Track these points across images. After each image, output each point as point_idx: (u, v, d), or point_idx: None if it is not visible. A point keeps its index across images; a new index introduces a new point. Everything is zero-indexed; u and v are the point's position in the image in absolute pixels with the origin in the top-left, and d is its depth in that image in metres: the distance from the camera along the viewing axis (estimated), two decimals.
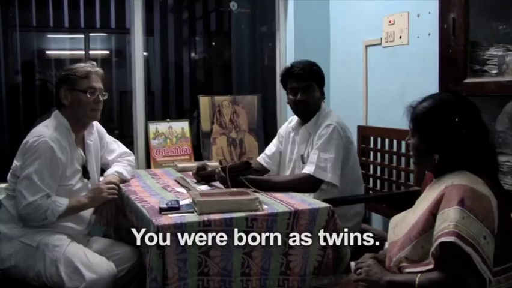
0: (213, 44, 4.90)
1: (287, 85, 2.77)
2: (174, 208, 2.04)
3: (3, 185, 2.66)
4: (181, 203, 2.11)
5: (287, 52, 3.87)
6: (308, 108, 2.72)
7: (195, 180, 2.77)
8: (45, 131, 2.46)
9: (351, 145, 2.74)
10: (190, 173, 2.98)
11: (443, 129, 1.77)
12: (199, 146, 3.67)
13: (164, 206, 2.04)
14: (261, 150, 3.62)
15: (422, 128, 1.82)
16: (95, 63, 2.68)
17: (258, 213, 2.04)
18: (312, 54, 3.40)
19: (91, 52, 5.03)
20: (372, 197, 3.08)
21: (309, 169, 2.54)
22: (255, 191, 2.33)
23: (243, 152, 3.72)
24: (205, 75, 4.85)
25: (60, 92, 2.55)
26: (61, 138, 2.48)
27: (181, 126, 3.64)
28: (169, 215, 1.99)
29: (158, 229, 1.87)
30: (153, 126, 3.56)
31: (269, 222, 2.04)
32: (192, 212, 2.03)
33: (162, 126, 3.58)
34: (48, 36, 4.99)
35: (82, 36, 5.06)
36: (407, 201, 2.29)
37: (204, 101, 3.69)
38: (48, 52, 4.97)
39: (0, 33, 3.97)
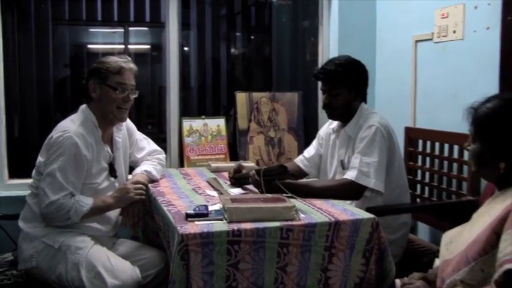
0: (253, 38, 4.73)
1: None
2: (202, 214, 1.86)
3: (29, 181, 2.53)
4: (210, 208, 1.93)
5: (330, 47, 3.66)
6: (333, 111, 2.55)
7: (228, 182, 2.60)
8: (71, 126, 2.32)
9: (396, 148, 2.51)
10: (224, 173, 2.81)
11: (511, 134, 1.54)
12: (235, 144, 3.49)
13: (192, 211, 1.86)
14: (301, 150, 3.44)
15: (486, 132, 1.59)
16: (129, 57, 2.53)
17: (294, 223, 1.84)
18: (357, 49, 3.20)
19: (130, 46, 4.96)
20: (420, 206, 2.82)
21: (350, 174, 2.32)
22: (291, 197, 2.14)
23: (282, 152, 3.53)
24: (243, 71, 4.69)
25: (90, 85, 2.42)
26: (87, 134, 2.34)
27: (217, 124, 3.47)
28: (196, 222, 1.81)
29: (183, 238, 1.69)
30: (187, 123, 3.39)
31: (306, 234, 1.84)
32: (221, 220, 1.85)
33: (197, 123, 3.42)
34: (91, 30, 4.95)
35: (122, 30, 5.00)
36: (459, 212, 2.10)
37: (241, 97, 3.51)
38: (90, 46, 4.91)
39: (32, 29, 3.89)
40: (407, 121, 3.24)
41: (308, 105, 3.81)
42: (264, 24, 4.66)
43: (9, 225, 2.63)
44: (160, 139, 3.59)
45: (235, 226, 1.77)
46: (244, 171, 2.55)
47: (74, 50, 4.62)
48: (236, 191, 2.40)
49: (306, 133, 3.61)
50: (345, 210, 2.01)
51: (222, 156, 3.38)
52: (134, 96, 2.49)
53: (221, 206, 1.94)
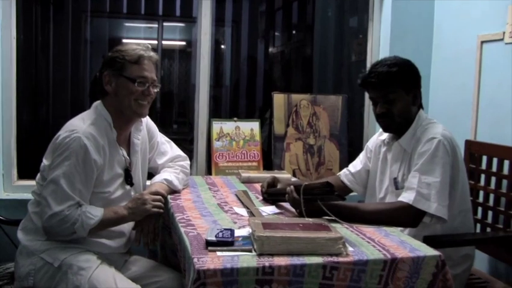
0: (293, 35, 4.37)
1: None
2: (226, 243, 1.50)
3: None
4: (237, 233, 1.58)
5: (381, 47, 3.28)
6: (392, 121, 2.12)
7: (260, 197, 2.24)
8: (80, 126, 1.99)
9: (461, 166, 2.10)
10: (256, 185, 2.46)
11: None
12: (270, 151, 3.14)
13: (213, 238, 1.51)
14: (343, 161, 3.10)
15: None
16: (149, 46, 2.19)
17: (340, 259, 1.47)
18: (411, 50, 2.87)
19: (164, 42, 4.69)
20: (491, 238, 2.35)
21: (407, 197, 1.93)
22: (335, 220, 1.78)
23: (321, 161, 3.15)
24: (282, 71, 4.34)
25: (104, 76, 2.09)
26: (99, 134, 2.01)
27: (251, 127, 3.12)
28: (218, 253, 1.45)
29: (200, 275, 1.34)
30: (217, 125, 3.05)
31: (355, 273, 1.47)
32: (250, 251, 1.49)
33: (228, 126, 3.07)
34: (126, 24, 4.69)
35: (156, 25, 4.75)
36: None
37: (278, 98, 3.15)
38: (124, 40, 4.65)
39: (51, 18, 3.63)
40: (467, 133, 2.83)
41: (353, 110, 3.46)
42: (306, 21, 4.30)
43: (14, 231, 2.34)
44: (189, 141, 3.28)
45: (266, 261, 1.41)
46: (279, 186, 2.19)
47: (100, 43, 4.34)
48: (269, 210, 2.04)
49: (350, 142, 3.25)
50: (403, 243, 1.63)
51: (255, 164, 3.03)
52: (155, 90, 2.16)
53: (250, 232, 1.58)
